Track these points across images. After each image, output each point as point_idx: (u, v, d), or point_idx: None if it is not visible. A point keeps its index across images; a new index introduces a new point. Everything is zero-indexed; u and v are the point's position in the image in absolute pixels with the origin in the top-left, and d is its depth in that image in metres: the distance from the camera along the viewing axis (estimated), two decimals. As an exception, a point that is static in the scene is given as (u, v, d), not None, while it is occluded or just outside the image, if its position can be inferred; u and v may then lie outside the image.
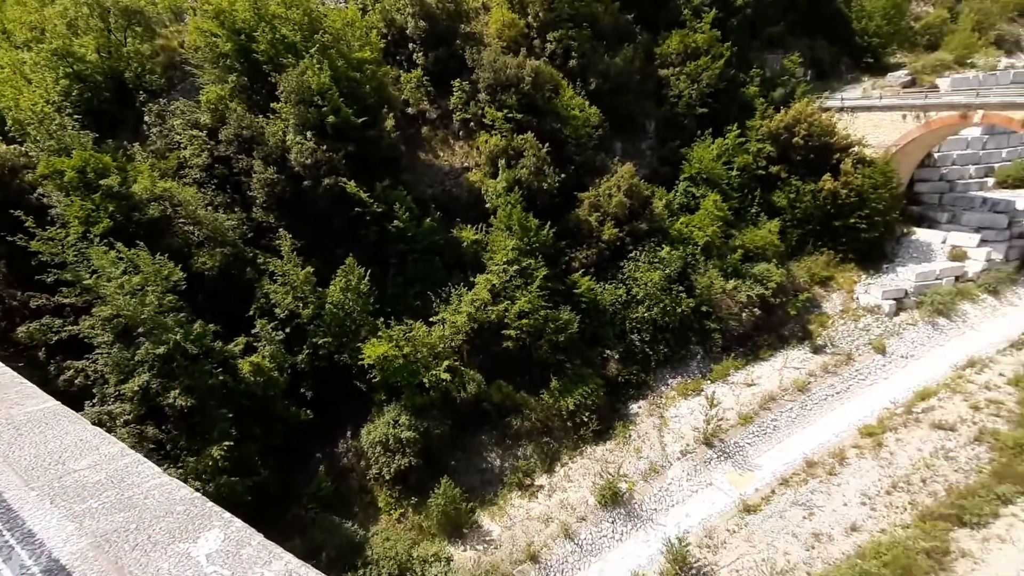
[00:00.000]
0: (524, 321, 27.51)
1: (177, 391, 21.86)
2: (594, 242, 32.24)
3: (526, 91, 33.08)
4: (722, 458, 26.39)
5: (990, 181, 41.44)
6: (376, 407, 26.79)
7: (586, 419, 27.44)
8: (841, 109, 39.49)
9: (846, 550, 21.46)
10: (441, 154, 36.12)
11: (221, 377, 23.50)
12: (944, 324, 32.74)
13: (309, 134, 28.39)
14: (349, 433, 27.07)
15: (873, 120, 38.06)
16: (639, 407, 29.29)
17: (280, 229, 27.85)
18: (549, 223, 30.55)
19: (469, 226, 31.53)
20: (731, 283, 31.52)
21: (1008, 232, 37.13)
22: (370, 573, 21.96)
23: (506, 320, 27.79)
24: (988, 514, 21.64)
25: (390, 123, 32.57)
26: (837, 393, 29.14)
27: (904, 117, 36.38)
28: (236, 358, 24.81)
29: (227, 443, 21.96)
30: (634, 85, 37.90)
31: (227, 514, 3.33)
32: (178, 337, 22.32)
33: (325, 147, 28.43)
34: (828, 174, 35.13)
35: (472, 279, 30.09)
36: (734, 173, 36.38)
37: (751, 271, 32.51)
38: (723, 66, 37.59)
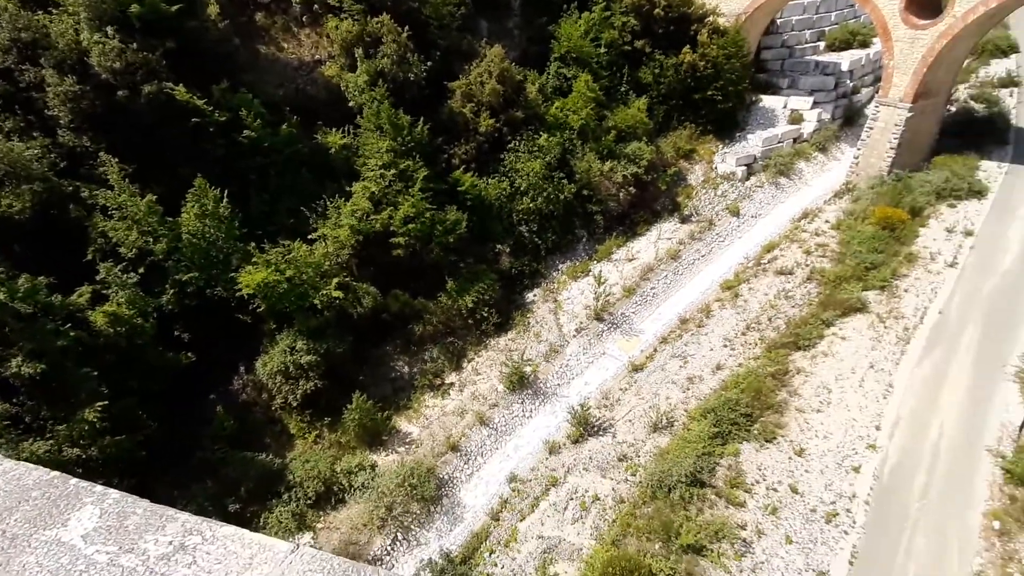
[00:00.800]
0: (411, 227, 26.63)
1: (19, 358, 18.78)
2: (471, 135, 31.13)
3: (372, -35, 29.12)
4: (612, 329, 29.06)
5: (822, 45, 45.43)
6: (268, 337, 25.32)
7: (486, 314, 28.32)
8: (696, -23, 39.78)
9: (713, 386, 25.40)
10: (285, 46, 31.46)
11: (72, 334, 20.47)
12: (785, 183, 37.16)
13: (110, 30, 23.02)
14: (243, 368, 25.57)
15: (725, -13, 39.01)
16: (534, 295, 30.71)
17: (101, 153, 23.31)
18: (422, 119, 28.70)
19: (334, 130, 28.63)
20: (607, 165, 32.60)
21: (834, 93, 41.68)
22: (296, 495, 22.14)
23: (392, 228, 26.71)
24: (816, 337, 26.53)
25: (214, 9, 27.36)
26: (703, 256, 32.65)
27: (751, -17, 37.66)
28: (85, 310, 21.59)
29: (100, 403, 19.74)
30: (494, -45, 34.82)
31: (99, 487, 3.02)
32: (1, 297, 18.71)
33: (136, 45, 23.38)
34: (687, 46, 36.16)
35: (349, 188, 28.05)
36: (602, 51, 36.11)
37: (624, 151, 33.73)
38: (581, -67, 35.59)
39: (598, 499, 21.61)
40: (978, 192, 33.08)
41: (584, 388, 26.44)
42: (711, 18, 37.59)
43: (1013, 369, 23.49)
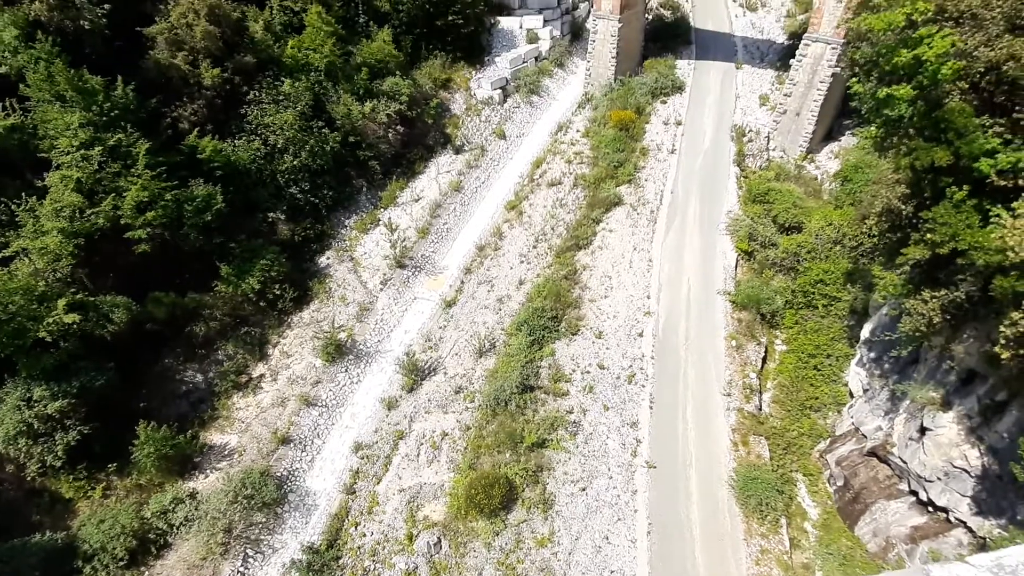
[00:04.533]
0: (150, 214, 21.92)
1: None
2: (196, 91, 26.20)
3: None
4: (417, 272, 28.94)
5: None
6: (-18, 398, 19.23)
7: (279, 292, 25.60)
8: None
9: (520, 300, 27.54)
10: None
11: None
12: (537, 100, 39.96)
13: None
14: (-44, 448, 19.19)
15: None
16: (328, 258, 28.63)
17: None
18: (120, 78, 23.02)
19: (-11, 108, 21.35)
20: (368, 105, 30.81)
21: (560, 9, 45.10)
22: (102, 563, 18.25)
23: (123, 219, 21.68)
24: (591, 235, 30.28)
25: None
26: (483, 183, 33.93)
27: (464, -100, 37.35)
28: None
29: None
30: None
31: None
32: None
33: None
34: (418, -31, 34.99)
35: (41, 182, 21.67)
36: (328, -22, 32.83)
37: (381, 88, 32.16)
38: None
39: (446, 435, 22.39)
40: (679, 87, 40.04)
41: (405, 336, 26.30)
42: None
43: (723, 225, 30.25)
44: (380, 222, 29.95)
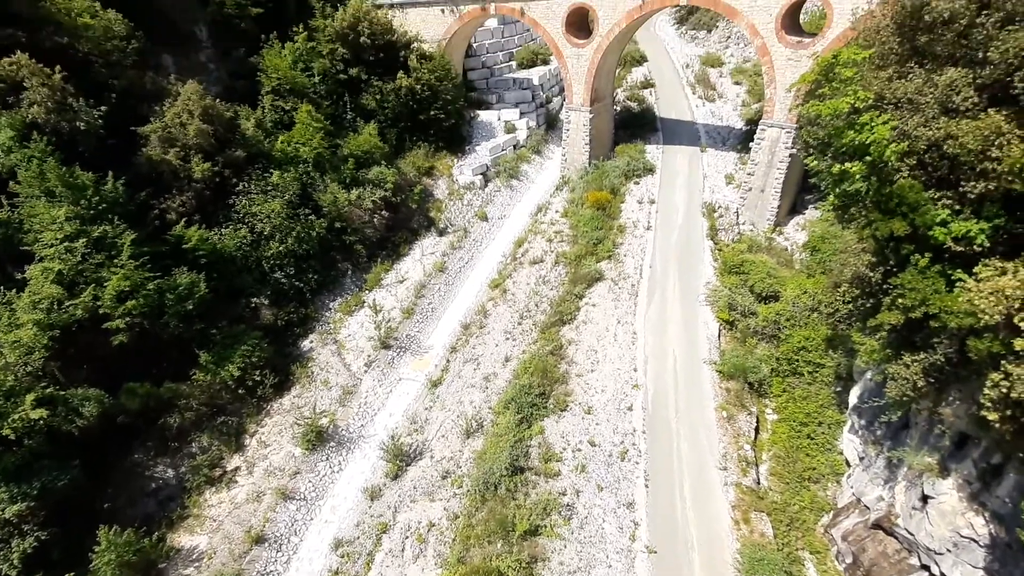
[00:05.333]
0: (130, 303, 21.74)
1: None
2: (186, 184, 26.98)
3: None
4: (401, 353, 28.62)
5: (514, 64, 52.42)
6: (-70, 505, 17.81)
7: (259, 378, 25.00)
8: (392, 6, 41.83)
9: (507, 377, 27.19)
10: None
11: None
12: (517, 184, 41.86)
13: None
14: None
15: (421, 16, 41.88)
16: (311, 341, 28.30)
17: None
18: (111, 174, 23.71)
19: (-24, 205, 21.63)
20: (354, 193, 31.92)
21: (535, 104, 48.55)
22: None
23: (103, 310, 21.41)
24: (574, 310, 30.61)
25: None
26: (467, 263, 34.60)
27: (443, 11, 41.24)
28: None
29: None
30: (162, -19, 30.73)
31: None
32: None
33: None
34: (401, 71, 37.69)
35: (21, 275, 21.54)
36: (317, 80, 35.21)
37: (367, 177, 33.51)
38: (261, -43, 34.04)
39: (433, 525, 21.11)
40: (650, 169, 42.46)
41: (390, 420, 25.49)
42: (415, 44, 39.88)
43: (703, 296, 30.91)
44: (365, 304, 30.01)
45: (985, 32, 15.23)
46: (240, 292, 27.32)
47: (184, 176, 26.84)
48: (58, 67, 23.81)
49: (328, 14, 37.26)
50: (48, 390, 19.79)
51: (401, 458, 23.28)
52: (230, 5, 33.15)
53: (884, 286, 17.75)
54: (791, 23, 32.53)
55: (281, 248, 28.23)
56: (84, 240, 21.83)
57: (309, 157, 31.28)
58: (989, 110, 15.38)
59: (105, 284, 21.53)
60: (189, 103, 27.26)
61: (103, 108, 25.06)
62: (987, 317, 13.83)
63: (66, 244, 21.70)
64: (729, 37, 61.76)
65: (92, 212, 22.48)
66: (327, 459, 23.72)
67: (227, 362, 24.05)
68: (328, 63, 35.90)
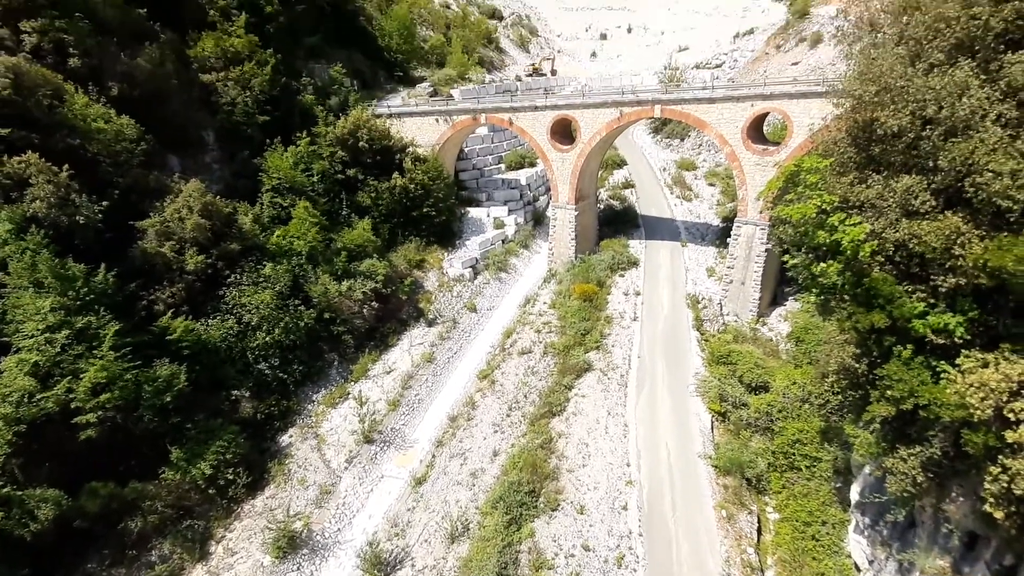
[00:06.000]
0: (105, 396, 20.96)
1: None
2: (178, 275, 27.19)
3: (6, 97, 24.51)
4: (385, 447, 27.46)
5: (503, 166, 55.77)
6: None
7: (231, 477, 23.60)
8: (390, 115, 45.13)
9: (495, 473, 25.99)
10: None
11: None
12: (505, 277, 42.80)
13: None
14: None
15: (416, 124, 45.06)
16: (291, 436, 27.14)
17: None
18: (103, 266, 23.91)
19: (-40, 295, 21.46)
20: (344, 284, 32.31)
21: (522, 202, 51.02)
22: None
23: (75, 403, 20.58)
24: (563, 401, 30.06)
25: None
26: (455, 354, 34.35)
27: (437, 120, 44.48)
28: None
29: None
30: (175, 91, 33.09)
31: None
32: None
33: None
34: (396, 172, 39.81)
35: (-5, 366, 20.89)
36: (316, 179, 36.94)
37: (359, 269, 34.11)
38: (272, 72, 37.09)
39: (412, 647, 19.06)
40: (634, 263, 43.92)
41: (369, 522, 23.85)
42: (411, 148, 42.53)
43: (692, 387, 30.68)
44: (350, 395, 29.26)
45: (932, 143, 16.66)
46: (221, 383, 26.59)
47: (176, 268, 27.11)
48: (66, 165, 24.80)
49: (330, 122, 39.97)
50: (4, 490, 18.45)
51: (380, 567, 21.50)
52: (239, 113, 35.50)
53: (871, 376, 17.85)
54: (756, 134, 35.51)
55: (268, 339, 27.96)
56: (67, 332, 21.48)
57: (303, 250, 31.97)
58: (947, 212, 16.41)
59: (81, 376, 20.89)
60: (190, 199, 28.23)
61: (105, 203, 25.76)
62: (979, 412, 13.86)
63: (46, 335, 21.31)
64: (701, 145, 66.84)
65: (79, 303, 22.36)
66: (298, 568, 21.82)
67: (199, 459, 22.82)
68: (327, 164, 37.91)
